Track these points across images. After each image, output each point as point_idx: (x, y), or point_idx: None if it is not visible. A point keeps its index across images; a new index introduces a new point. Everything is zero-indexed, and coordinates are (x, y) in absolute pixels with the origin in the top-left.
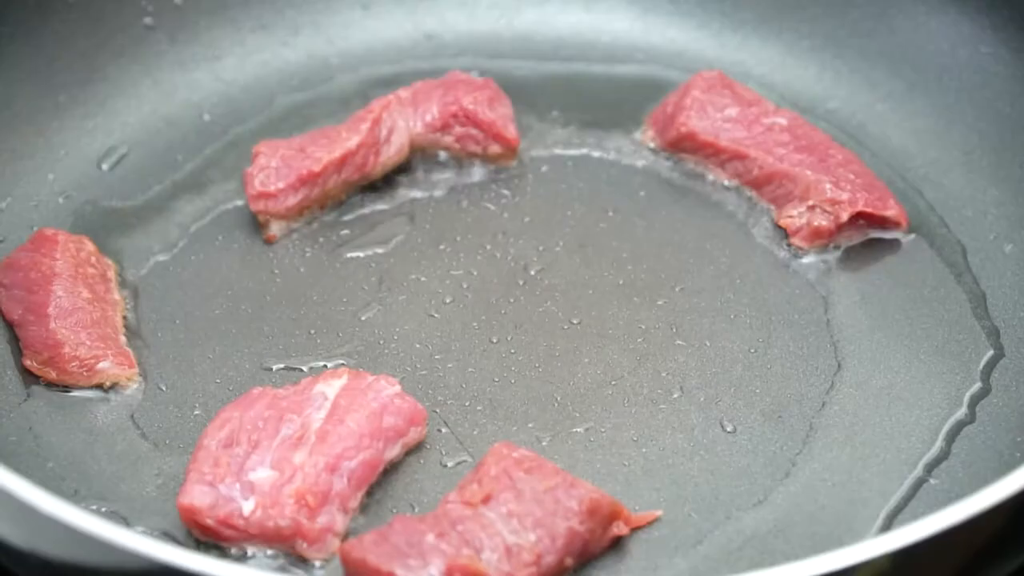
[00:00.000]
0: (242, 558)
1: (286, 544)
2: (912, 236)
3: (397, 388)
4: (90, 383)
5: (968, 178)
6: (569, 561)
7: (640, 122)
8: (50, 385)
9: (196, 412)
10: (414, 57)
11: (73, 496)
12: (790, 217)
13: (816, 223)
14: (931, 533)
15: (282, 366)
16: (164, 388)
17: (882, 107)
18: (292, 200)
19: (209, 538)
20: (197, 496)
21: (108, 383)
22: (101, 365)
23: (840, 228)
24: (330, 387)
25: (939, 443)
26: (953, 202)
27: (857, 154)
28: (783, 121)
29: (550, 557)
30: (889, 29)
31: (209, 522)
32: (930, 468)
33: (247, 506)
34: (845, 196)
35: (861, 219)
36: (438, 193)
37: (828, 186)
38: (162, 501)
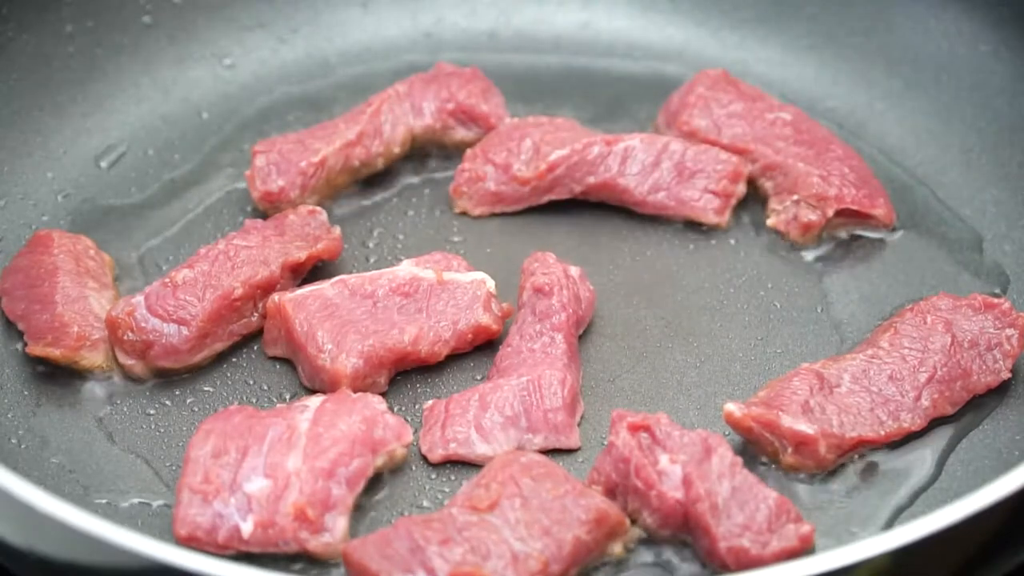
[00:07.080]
0: (245, 558)
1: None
2: (912, 234)
3: (384, 406)
4: (94, 364)
5: (967, 176)
6: (574, 570)
7: (639, 118)
8: (51, 368)
9: (195, 407)
10: (413, 55)
11: (81, 492)
12: (775, 211)
13: (805, 218)
14: (931, 531)
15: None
16: (163, 382)
17: (881, 105)
18: (296, 194)
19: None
20: (192, 523)
21: (107, 365)
22: (104, 344)
23: (828, 222)
24: (311, 402)
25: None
26: (952, 200)
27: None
28: (787, 116)
29: (556, 566)
30: (888, 27)
31: (210, 550)
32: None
33: (246, 528)
34: (832, 192)
35: (849, 215)
36: (438, 188)
37: (816, 180)
38: (162, 497)
